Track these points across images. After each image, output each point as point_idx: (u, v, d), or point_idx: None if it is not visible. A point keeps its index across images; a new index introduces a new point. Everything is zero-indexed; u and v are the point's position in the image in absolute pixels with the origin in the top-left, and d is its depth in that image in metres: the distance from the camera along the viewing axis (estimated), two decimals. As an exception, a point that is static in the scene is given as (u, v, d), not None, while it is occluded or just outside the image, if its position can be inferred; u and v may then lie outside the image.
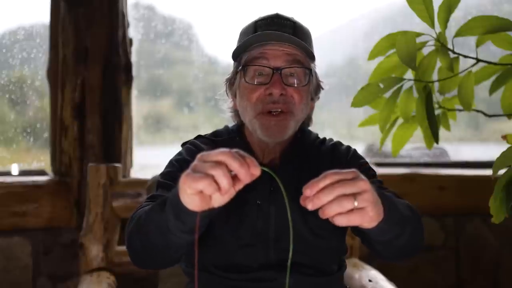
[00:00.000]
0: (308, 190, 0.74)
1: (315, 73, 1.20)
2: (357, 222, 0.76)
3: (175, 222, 0.86)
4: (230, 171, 0.72)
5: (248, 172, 0.72)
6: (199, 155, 0.75)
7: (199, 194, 0.73)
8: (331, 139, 1.28)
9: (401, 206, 0.96)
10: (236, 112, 1.23)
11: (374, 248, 1.04)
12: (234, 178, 0.73)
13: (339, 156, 1.22)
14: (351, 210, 0.75)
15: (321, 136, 1.30)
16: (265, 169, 0.77)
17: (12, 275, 1.96)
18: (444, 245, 2.37)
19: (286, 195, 0.81)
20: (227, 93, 1.24)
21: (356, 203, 0.74)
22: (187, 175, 0.73)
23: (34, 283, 1.98)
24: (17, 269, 1.96)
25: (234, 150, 0.74)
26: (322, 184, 0.74)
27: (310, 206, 0.74)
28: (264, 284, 1.12)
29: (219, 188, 0.72)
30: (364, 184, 0.76)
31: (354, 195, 0.75)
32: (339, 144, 1.26)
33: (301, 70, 1.14)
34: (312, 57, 1.17)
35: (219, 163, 0.72)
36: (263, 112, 1.12)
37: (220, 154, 0.72)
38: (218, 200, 0.75)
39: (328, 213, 0.74)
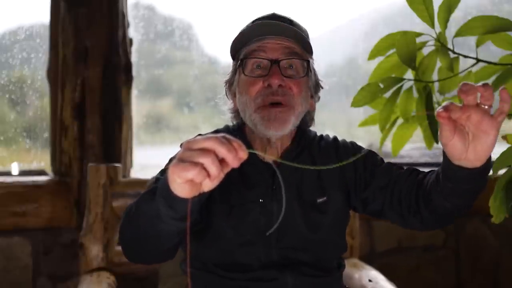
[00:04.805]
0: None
1: (314, 69, 1.21)
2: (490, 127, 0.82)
3: (167, 211, 0.86)
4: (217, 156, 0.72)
5: (236, 156, 0.72)
6: (184, 143, 0.74)
7: (189, 182, 0.73)
8: (328, 135, 1.30)
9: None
10: (236, 113, 1.24)
11: (437, 203, 1.05)
12: (222, 161, 0.73)
13: (344, 149, 1.25)
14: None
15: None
16: (252, 151, 0.78)
17: (12, 275, 1.95)
18: (444, 245, 2.37)
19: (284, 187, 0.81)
20: (227, 95, 1.25)
21: None
22: (175, 165, 0.73)
23: (34, 283, 1.98)
24: (17, 269, 1.96)
25: (220, 135, 0.73)
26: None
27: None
28: (265, 284, 1.12)
29: (208, 175, 0.72)
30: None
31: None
32: (337, 138, 1.29)
33: (299, 62, 1.15)
34: (310, 51, 1.17)
35: (206, 151, 0.71)
36: (263, 106, 1.12)
37: (207, 140, 0.72)
38: (208, 185, 0.75)
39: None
